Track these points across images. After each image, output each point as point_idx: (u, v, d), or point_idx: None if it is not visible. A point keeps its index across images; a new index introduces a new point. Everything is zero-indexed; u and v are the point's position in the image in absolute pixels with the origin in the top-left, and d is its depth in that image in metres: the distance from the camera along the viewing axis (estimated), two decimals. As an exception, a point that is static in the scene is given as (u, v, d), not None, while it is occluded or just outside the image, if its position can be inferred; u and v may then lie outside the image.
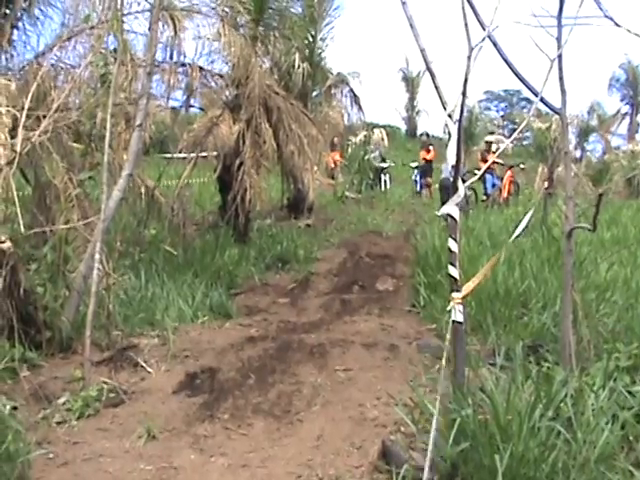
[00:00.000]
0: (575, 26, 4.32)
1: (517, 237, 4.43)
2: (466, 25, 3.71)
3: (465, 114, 3.88)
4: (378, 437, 4.19)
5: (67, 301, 6.13)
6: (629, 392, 4.09)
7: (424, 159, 22.35)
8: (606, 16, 4.22)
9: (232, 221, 10.90)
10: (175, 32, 9.36)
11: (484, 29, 3.98)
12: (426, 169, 22.24)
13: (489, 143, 19.29)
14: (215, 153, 11.69)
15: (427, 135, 25.04)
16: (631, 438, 3.78)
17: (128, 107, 8.34)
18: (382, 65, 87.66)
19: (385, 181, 22.48)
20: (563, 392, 3.77)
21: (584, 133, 27.64)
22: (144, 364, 5.70)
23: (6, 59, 8.13)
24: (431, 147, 22.36)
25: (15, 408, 4.37)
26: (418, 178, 22.84)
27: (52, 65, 8.33)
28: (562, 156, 5.31)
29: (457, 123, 3.79)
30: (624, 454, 3.63)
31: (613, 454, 3.49)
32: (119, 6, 7.84)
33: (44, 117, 5.87)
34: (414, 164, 23.64)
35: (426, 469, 3.24)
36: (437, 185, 17.92)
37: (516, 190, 18.86)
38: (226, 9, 10.82)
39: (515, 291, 6.72)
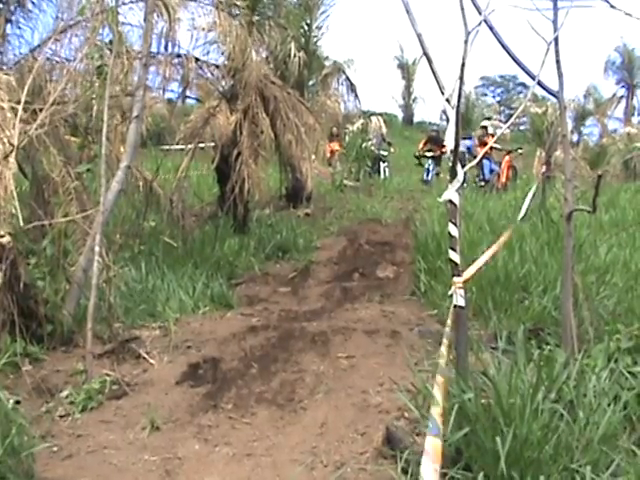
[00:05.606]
0: (571, 9, 4.31)
1: (523, 217, 4.43)
2: (462, 9, 3.69)
3: (462, 100, 3.87)
4: (382, 423, 4.21)
5: (68, 294, 6.12)
6: (630, 373, 4.11)
7: (440, 152, 22.38)
8: (602, -3, 4.22)
9: (231, 211, 10.89)
10: (170, 23, 9.30)
11: (480, 13, 3.96)
12: (439, 159, 22.22)
13: (485, 128, 19.25)
14: (212, 144, 11.63)
15: (436, 131, 24.93)
16: (633, 418, 3.81)
17: (124, 99, 8.31)
18: (378, 53, 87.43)
19: (384, 169, 22.36)
20: (565, 374, 3.78)
21: (581, 117, 27.68)
22: (146, 356, 5.70)
23: (0, 53, 8.09)
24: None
25: (18, 402, 4.36)
26: (431, 167, 22.86)
27: (47, 58, 8.28)
28: (560, 139, 5.32)
29: (455, 108, 3.79)
30: (627, 434, 3.66)
31: (616, 434, 3.51)
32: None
33: (40, 110, 5.84)
34: (429, 153, 23.59)
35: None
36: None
37: (514, 175, 18.83)
38: (221, -3, 10.75)
39: (515, 275, 6.72)
